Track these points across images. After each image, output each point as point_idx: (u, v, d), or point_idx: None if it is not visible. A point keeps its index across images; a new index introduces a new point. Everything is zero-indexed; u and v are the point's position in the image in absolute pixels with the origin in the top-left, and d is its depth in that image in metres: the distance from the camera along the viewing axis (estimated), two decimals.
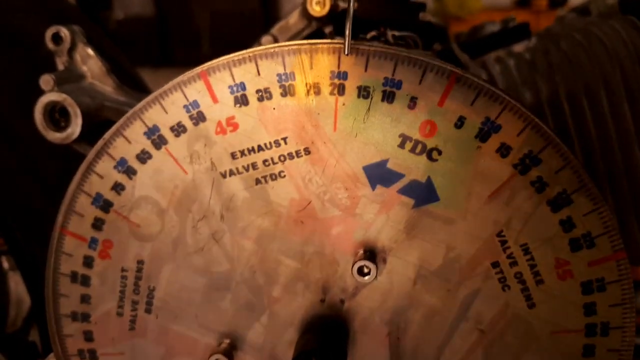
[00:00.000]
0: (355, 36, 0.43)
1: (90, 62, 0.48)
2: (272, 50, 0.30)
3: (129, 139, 0.33)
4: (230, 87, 0.31)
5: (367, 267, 0.32)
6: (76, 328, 0.37)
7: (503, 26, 0.70)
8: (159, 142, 0.33)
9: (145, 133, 0.33)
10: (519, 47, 0.66)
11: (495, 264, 0.33)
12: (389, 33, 0.41)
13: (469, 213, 0.32)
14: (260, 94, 0.31)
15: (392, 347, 0.35)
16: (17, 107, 0.60)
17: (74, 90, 0.45)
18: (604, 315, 0.33)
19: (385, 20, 0.44)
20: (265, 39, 0.49)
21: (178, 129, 0.32)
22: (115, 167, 0.34)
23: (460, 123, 0.31)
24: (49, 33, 0.47)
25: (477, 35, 0.73)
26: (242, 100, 0.31)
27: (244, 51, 0.31)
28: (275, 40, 0.49)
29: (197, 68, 0.31)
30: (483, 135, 0.31)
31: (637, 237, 0.56)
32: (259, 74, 0.31)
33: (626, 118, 0.52)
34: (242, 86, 0.31)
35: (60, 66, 0.48)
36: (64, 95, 0.44)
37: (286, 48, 0.30)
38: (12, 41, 0.63)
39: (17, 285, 0.91)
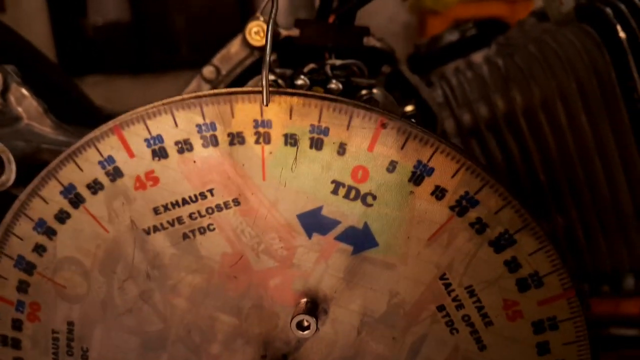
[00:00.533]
0: (295, 66, 0.41)
1: (25, 103, 0.45)
2: (188, 100, 0.29)
3: (45, 199, 0.31)
4: (146, 140, 0.29)
5: (306, 321, 0.30)
6: None
7: (461, 35, 0.69)
8: (77, 200, 0.31)
9: (61, 192, 0.31)
10: (477, 57, 0.65)
11: (440, 308, 0.31)
12: (330, 63, 0.40)
13: (410, 257, 0.30)
14: (179, 145, 0.29)
15: None
16: None
17: (7, 134, 0.43)
18: (558, 354, 0.31)
19: (327, 48, 0.43)
20: (207, 69, 0.47)
21: (95, 187, 0.30)
22: (34, 228, 0.31)
23: (392, 167, 0.29)
24: None
25: (437, 45, 0.72)
26: (160, 154, 0.30)
27: (158, 102, 0.29)
28: (217, 70, 0.47)
29: (110, 122, 0.29)
30: (416, 179, 0.29)
31: (602, 248, 0.55)
32: (176, 125, 0.29)
33: (585, 131, 0.51)
34: (160, 139, 0.29)
35: None
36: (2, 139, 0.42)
37: (203, 98, 0.28)
38: None
39: None
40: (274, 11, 0.29)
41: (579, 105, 0.51)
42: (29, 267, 0.32)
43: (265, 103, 0.27)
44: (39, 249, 0.32)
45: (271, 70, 0.39)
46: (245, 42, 0.45)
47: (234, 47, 0.46)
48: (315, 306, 0.31)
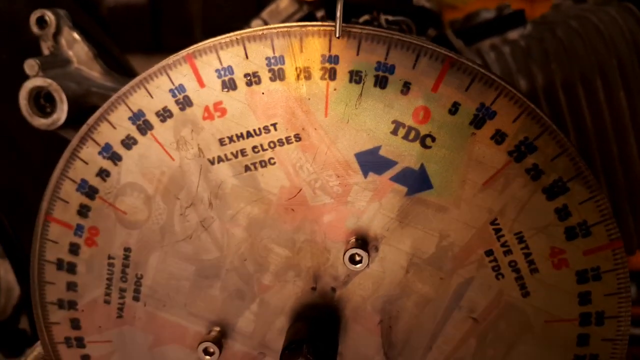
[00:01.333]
0: (347, 20, 0.42)
1: (76, 47, 0.46)
2: (260, 32, 0.29)
3: (113, 124, 0.32)
4: (217, 70, 0.30)
5: (358, 255, 0.32)
6: (63, 316, 0.36)
7: (498, 13, 0.69)
8: (145, 127, 0.32)
9: (130, 118, 0.32)
10: (513, 35, 0.65)
11: (489, 252, 0.32)
12: (382, 17, 0.40)
13: (463, 201, 0.31)
14: (248, 78, 0.30)
15: (384, 336, 0.34)
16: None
17: (59, 75, 0.44)
18: (599, 305, 0.33)
19: (378, 5, 0.43)
20: (255, 22, 0.47)
21: (164, 114, 0.31)
22: (100, 152, 0.33)
23: (454, 109, 0.30)
24: (33, 17, 0.45)
25: (472, 22, 0.72)
26: (229, 85, 0.31)
27: (232, 33, 0.30)
28: (265, 24, 0.48)
29: (183, 51, 0.30)
30: (478, 122, 0.30)
31: (631, 228, 0.56)
32: (247, 57, 0.30)
33: (622, 108, 0.52)
34: (230, 70, 0.30)
35: (46, 51, 0.47)
36: (49, 81, 0.43)
37: (275, 30, 0.29)
38: None
39: (6, 273, 0.90)
40: None
41: (619, 82, 0.52)
42: (91, 192, 0.34)
43: (337, 35, 0.28)
44: (103, 173, 0.33)
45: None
46: None
47: (284, 1, 0.47)
48: (365, 243, 0.32)
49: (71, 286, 0.36)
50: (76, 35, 0.46)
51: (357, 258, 0.32)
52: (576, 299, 0.33)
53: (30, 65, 0.43)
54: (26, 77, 0.43)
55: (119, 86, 0.45)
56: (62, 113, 0.43)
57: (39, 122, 0.43)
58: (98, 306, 0.36)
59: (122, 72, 0.70)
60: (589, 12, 0.55)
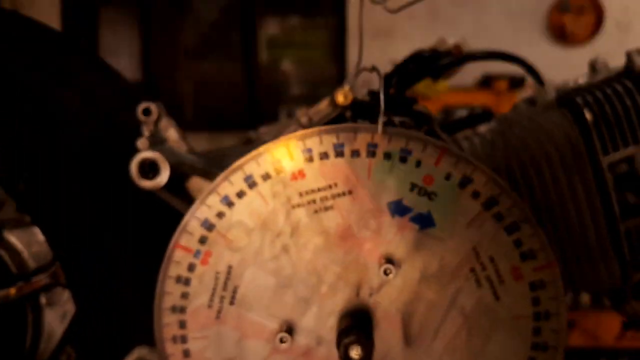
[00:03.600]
0: (372, 119, 0.61)
1: (170, 131, 0.65)
2: (331, 129, 0.49)
3: (232, 182, 0.50)
4: (302, 150, 0.49)
5: (389, 269, 0.49)
6: (174, 318, 0.52)
7: (469, 112, 0.91)
8: (252, 184, 0.50)
9: (244, 179, 0.50)
10: (482, 128, 0.87)
11: (472, 270, 0.50)
12: (395, 118, 0.60)
13: (455, 234, 0.49)
14: (321, 155, 0.49)
15: (403, 329, 0.51)
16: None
17: (160, 149, 0.62)
18: (545, 305, 0.50)
19: (391, 110, 0.63)
20: (303, 118, 0.67)
21: (265, 176, 0.50)
22: (220, 200, 0.50)
23: (448, 176, 0.49)
24: (140, 107, 0.64)
25: (450, 118, 0.94)
26: (309, 159, 0.49)
27: (315, 129, 0.49)
28: (310, 120, 0.68)
29: (282, 139, 0.49)
30: (462, 185, 0.49)
31: (573, 271, 0.74)
32: (321, 142, 0.49)
33: (562, 184, 0.72)
34: (310, 150, 0.49)
35: (146, 133, 0.65)
36: (157, 154, 0.60)
37: (341, 126, 0.49)
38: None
39: (51, 321, 1.02)
40: (381, 83, 0.49)
41: (559, 166, 0.72)
42: (210, 226, 0.51)
43: (379, 132, 0.47)
44: (220, 214, 0.50)
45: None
46: (332, 102, 0.66)
47: (323, 105, 0.67)
48: (392, 262, 0.50)
49: (184, 295, 0.52)
50: (170, 121, 0.65)
51: (388, 272, 0.49)
52: (530, 301, 0.50)
53: (142, 143, 0.61)
54: (135, 151, 0.60)
55: (200, 159, 0.63)
56: (164, 177, 0.60)
57: (145, 183, 0.60)
58: (202, 310, 0.52)
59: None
60: (537, 115, 0.77)
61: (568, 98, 0.74)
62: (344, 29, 3.49)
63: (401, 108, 0.64)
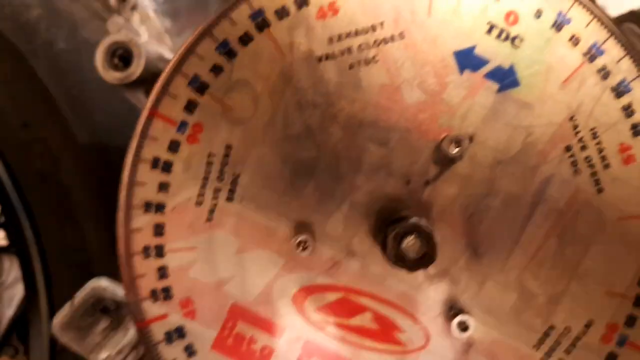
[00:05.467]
0: None
1: (148, 23, 0.50)
2: None
3: (234, 21, 0.35)
4: None
5: (454, 148, 0.34)
6: (147, 220, 0.36)
7: None
8: (263, 24, 0.35)
9: (250, 16, 0.35)
10: None
11: (568, 148, 0.36)
12: None
13: (546, 98, 0.35)
14: None
15: (471, 235, 0.36)
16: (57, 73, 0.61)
17: (137, 35, 0.47)
18: None
19: None
20: None
21: (282, 13, 0.35)
22: (217, 48, 0.35)
23: (539, 14, 0.35)
24: None
25: None
26: None
27: None
28: None
29: None
30: (557, 26, 0.35)
31: None
32: None
33: None
34: None
35: (121, 22, 0.50)
36: (130, 36, 0.46)
37: None
38: None
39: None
40: None
41: None
42: (202, 87, 0.36)
43: None
44: (217, 69, 0.35)
45: None
46: None
47: None
48: (458, 140, 0.35)
49: (163, 186, 0.36)
50: (150, 13, 0.51)
51: (453, 151, 0.35)
52: None
53: (115, 23, 0.46)
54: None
55: None
56: (137, 67, 0.45)
57: (113, 75, 0.45)
58: (188, 208, 0.36)
59: None
60: None
61: None
62: None
63: None
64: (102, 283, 0.41)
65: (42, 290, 0.61)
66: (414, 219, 0.32)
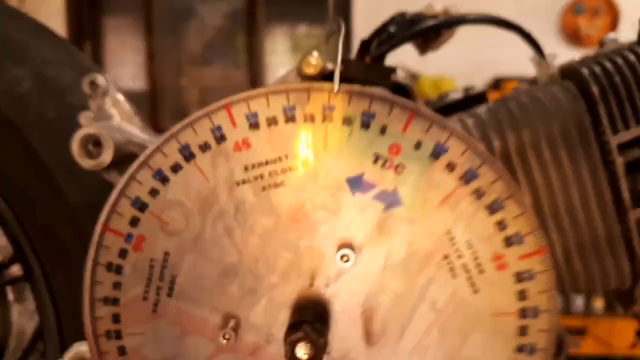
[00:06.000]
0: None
1: (119, 106, 0.58)
2: (280, 89, 0.41)
3: (166, 154, 0.43)
4: (246, 115, 0.42)
5: (347, 256, 0.41)
6: (107, 311, 0.45)
7: (465, 94, 0.83)
8: (189, 156, 0.43)
9: (179, 150, 0.43)
10: (479, 109, 0.79)
11: (446, 257, 0.42)
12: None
13: (426, 215, 0.42)
14: (269, 121, 0.42)
15: (365, 326, 0.43)
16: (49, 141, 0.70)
17: (106, 126, 0.56)
18: (534, 300, 0.42)
19: (365, 81, 0.56)
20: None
21: (205, 147, 0.42)
22: (153, 175, 0.43)
23: (418, 145, 0.41)
24: (87, 80, 0.58)
25: (444, 102, 0.86)
26: (255, 126, 0.42)
27: (260, 89, 0.41)
28: None
29: (223, 101, 0.42)
30: (435, 155, 0.41)
31: (577, 269, 0.65)
32: (269, 106, 0.42)
33: (564, 165, 0.63)
34: (256, 115, 0.42)
35: (94, 109, 0.58)
36: (99, 129, 0.54)
37: (292, 86, 0.41)
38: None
39: (20, 316, 0.97)
40: (341, 36, 0.42)
41: (561, 144, 0.64)
42: (143, 207, 0.44)
43: (335, 90, 0.40)
44: (154, 192, 0.43)
45: None
46: (300, 72, 0.59)
47: (290, 76, 0.60)
48: (352, 248, 0.42)
49: (117, 285, 0.45)
50: (120, 97, 0.59)
51: (347, 259, 0.41)
52: (516, 296, 0.42)
53: (86, 117, 0.55)
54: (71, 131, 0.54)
55: (154, 138, 0.56)
56: (108, 156, 0.54)
57: (88, 163, 0.54)
58: (137, 303, 0.45)
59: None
60: (537, 90, 0.69)
61: (573, 70, 0.66)
62: (350, 36, 3.42)
63: (378, 79, 0.57)
64: (84, 348, 0.51)
65: (51, 317, 0.72)
66: (305, 328, 0.39)
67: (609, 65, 0.63)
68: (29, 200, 0.71)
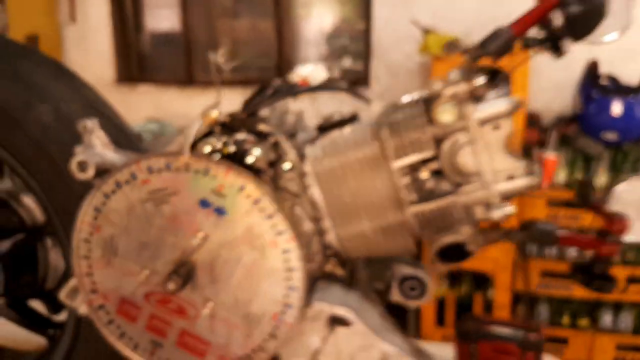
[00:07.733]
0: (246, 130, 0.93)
1: (100, 138, 0.99)
2: (160, 154, 0.81)
3: (107, 183, 0.84)
4: (146, 168, 0.82)
5: (201, 238, 0.82)
6: (85, 264, 0.88)
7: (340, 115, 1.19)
8: (119, 186, 0.83)
9: (115, 183, 0.83)
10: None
11: (249, 240, 0.82)
12: (238, 136, 0.92)
13: (237, 219, 0.82)
14: (159, 170, 0.82)
15: (211, 273, 0.85)
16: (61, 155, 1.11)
17: (92, 153, 0.96)
18: (291, 263, 0.82)
19: (239, 127, 0.94)
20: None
21: (127, 181, 0.83)
22: (104, 195, 0.84)
23: (232, 185, 0.80)
24: (81, 124, 0.98)
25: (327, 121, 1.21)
26: (152, 171, 0.82)
27: (152, 155, 0.81)
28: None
29: (132, 160, 0.82)
30: (240, 189, 0.80)
31: (381, 243, 1.03)
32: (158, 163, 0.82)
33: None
34: (151, 168, 0.82)
35: (85, 140, 0.99)
36: (86, 156, 0.95)
37: (165, 153, 0.81)
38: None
39: (55, 257, 1.42)
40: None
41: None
42: (99, 208, 0.85)
43: (186, 157, 0.80)
44: (104, 202, 0.85)
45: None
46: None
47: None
48: (203, 234, 0.82)
49: (89, 251, 0.87)
50: (101, 134, 0.99)
51: (201, 240, 0.82)
52: (282, 260, 0.82)
53: (78, 149, 0.96)
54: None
55: (125, 157, 0.96)
56: (91, 172, 0.95)
57: (80, 176, 0.95)
58: (100, 261, 0.87)
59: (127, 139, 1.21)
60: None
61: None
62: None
63: (248, 126, 0.95)
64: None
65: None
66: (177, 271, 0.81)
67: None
68: (52, 190, 1.14)
